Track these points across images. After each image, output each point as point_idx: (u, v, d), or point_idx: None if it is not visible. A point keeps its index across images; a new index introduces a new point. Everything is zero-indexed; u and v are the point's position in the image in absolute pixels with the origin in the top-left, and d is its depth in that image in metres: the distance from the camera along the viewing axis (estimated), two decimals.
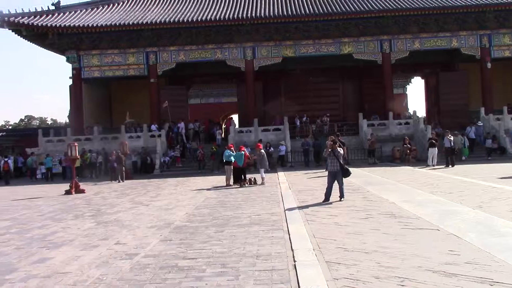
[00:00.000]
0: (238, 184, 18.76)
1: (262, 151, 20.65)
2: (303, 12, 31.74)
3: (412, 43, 33.02)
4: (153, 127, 32.33)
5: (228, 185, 18.93)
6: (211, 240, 8.56)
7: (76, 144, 21.92)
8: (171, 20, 31.56)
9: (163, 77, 35.55)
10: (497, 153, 27.42)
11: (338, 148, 13.40)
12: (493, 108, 31.97)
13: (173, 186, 20.12)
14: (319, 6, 32.54)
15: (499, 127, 29.25)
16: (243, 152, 19.60)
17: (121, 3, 36.05)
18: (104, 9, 34.98)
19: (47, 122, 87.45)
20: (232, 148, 20.36)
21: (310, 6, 32.67)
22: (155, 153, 29.70)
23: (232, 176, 19.32)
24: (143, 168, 29.52)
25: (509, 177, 17.18)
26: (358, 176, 19.22)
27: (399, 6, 31.47)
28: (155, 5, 35.56)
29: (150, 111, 33.88)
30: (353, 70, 37.32)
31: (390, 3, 32.20)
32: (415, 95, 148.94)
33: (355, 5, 32.13)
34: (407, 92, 58.75)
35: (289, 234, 8.65)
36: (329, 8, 31.98)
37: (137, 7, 35.24)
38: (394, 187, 15.77)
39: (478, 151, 28.39)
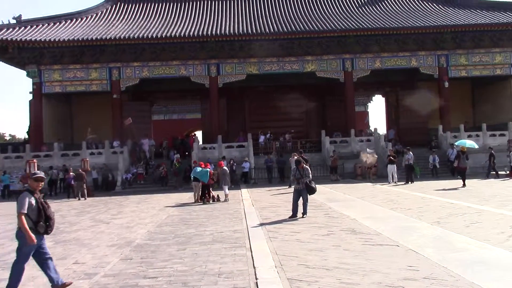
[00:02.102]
0: (201, 201, 18.68)
1: (225, 167, 20.65)
2: (267, 30, 32.09)
3: (373, 62, 33.77)
4: (115, 143, 31.88)
5: (196, 201, 18.83)
6: (173, 259, 8.47)
7: (35, 160, 21.41)
8: (135, 36, 31.35)
9: (127, 93, 35.19)
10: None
11: (305, 165, 13.58)
12: (451, 126, 32.88)
13: (135, 203, 19.84)
14: (283, 25, 32.97)
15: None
16: (208, 169, 19.54)
17: (85, 18, 35.67)
18: (67, 24, 34.50)
19: (5, 138, 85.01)
20: (203, 166, 20.27)
21: (275, 25, 33.06)
22: (117, 170, 29.25)
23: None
24: (104, 185, 29.02)
25: (442, 189, 18.25)
26: (321, 192, 19.38)
27: (360, 26, 32.18)
28: (119, 21, 35.31)
29: (113, 127, 33.40)
30: (316, 88, 37.82)
31: (352, 23, 32.92)
32: (376, 113, 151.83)
33: (318, 24, 32.70)
34: (368, 110, 59.97)
35: (251, 252, 8.64)
36: (293, 27, 32.44)
37: (101, 23, 34.91)
38: (355, 203, 16.00)
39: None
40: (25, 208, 6.38)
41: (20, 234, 6.42)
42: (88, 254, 9.29)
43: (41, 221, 6.48)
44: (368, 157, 27.40)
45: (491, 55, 33.84)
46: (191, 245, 9.70)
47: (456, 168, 23.08)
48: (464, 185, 21.04)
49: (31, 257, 6.60)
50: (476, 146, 25.87)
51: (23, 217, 6.36)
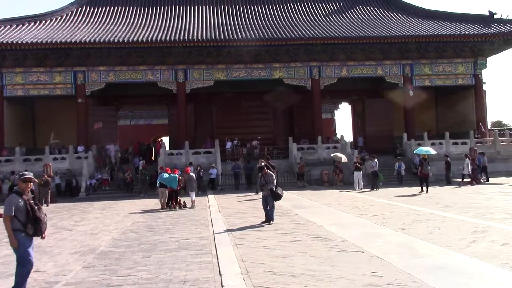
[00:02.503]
0: (167, 208, 18.49)
1: (192, 174, 20.52)
2: (235, 36, 32.11)
3: (340, 70, 34.18)
4: (80, 148, 31.30)
5: (163, 207, 18.61)
6: (137, 266, 8.33)
7: None
8: (101, 40, 30.89)
9: (92, 97, 34.60)
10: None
11: (270, 172, 13.60)
12: (415, 134, 33.53)
13: (100, 210, 19.47)
14: (251, 32, 33.08)
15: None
16: (175, 175, 19.37)
17: (49, 20, 34.97)
18: (31, 26, 33.76)
19: None
20: (169, 172, 20.07)
21: (243, 31, 33.12)
22: (81, 176, 28.69)
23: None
24: (68, 191, 28.42)
25: (406, 195, 18.66)
26: (288, 199, 19.45)
27: (327, 35, 32.57)
28: (85, 24, 34.73)
29: (77, 132, 32.77)
30: (284, 95, 37.94)
31: (319, 31, 33.28)
32: (343, 120, 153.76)
33: (286, 32, 32.94)
34: (335, 117, 60.72)
35: (217, 259, 8.57)
36: (261, 34, 32.56)
37: (66, 25, 34.27)
38: (322, 210, 16.10)
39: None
40: (11, 210, 6.31)
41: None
42: (49, 262, 9.06)
43: (30, 223, 6.38)
44: (343, 156, 27.70)
45: (453, 65, 34.73)
46: (156, 252, 9.56)
47: (419, 174, 23.65)
48: (426, 191, 21.73)
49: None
50: (433, 153, 26.43)
51: (8, 219, 6.31)
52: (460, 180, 26.67)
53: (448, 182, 26.63)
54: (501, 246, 8.94)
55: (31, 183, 6.64)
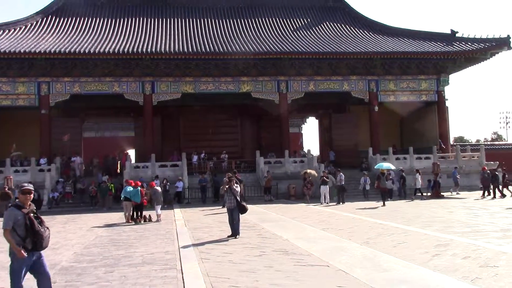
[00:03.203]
0: (132, 222, 18.21)
1: (157, 187, 20.29)
2: (203, 50, 32.10)
3: (307, 85, 34.51)
4: (42, 161, 30.56)
5: (127, 221, 18.30)
6: (100, 282, 8.15)
7: None
8: (67, 50, 30.40)
9: (56, 108, 33.96)
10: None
11: (235, 185, 13.54)
12: (380, 148, 34.06)
13: (62, 223, 19.00)
14: (220, 45, 33.13)
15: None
16: (139, 188, 19.09)
17: (13, 30, 34.27)
18: None
19: None
20: (133, 184, 19.76)
21: (211, 45, 33.15)
22: (43, 189, 27.98)
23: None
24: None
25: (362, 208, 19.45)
26: (254, 213, 19.43)
27: (295, 50, 32.90)
28: (49, 34, 34.16)
29: (40, 144, 32.05)
30: (251, 109, 38.15)
31: (287, 46, 33.59)
32: (310, 134, 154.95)
33: (254, 46, 33.11)
34: (302, 131, 61.18)
35: (182, 274, 8.46)
36: (229, 48, 32.63)
37: (31, 35, 33.65)
38: (288, 224, 16.11)
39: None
40: (9, 224, 6.10)
41: (11, 251, 6.17)
42: (8, 278, 8.74)
43: (29, 237, 6.13)
44: (313, 173, 27.83)
45: (417, 82, 35.55)
46: (119, 267, 9.37)
47: (378, 188, 24.79)
48: (383, 204, 22.69)
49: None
50: (393, 168, 27.72)
51: (8, 233, 6.10)
52: (405, 194, 27.58)
53: (404, 196, 27.38)
54: (462, 260, 9.11)
55: (30, 194, 6.37)
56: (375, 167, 29.11)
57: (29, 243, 6.14)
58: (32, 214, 6.25)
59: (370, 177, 29.31)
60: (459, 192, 28.49)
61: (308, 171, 28.10)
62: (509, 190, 27.93)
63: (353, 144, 36.39)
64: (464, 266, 8.52)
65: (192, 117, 38.32)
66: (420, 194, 27.09)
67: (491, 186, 26.51)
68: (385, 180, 24.70)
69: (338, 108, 39.04)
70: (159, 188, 20.40)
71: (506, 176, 28.79)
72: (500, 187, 26.91)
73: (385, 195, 23.94)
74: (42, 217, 6.43)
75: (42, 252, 6.36)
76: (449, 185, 29.94)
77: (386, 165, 27.38)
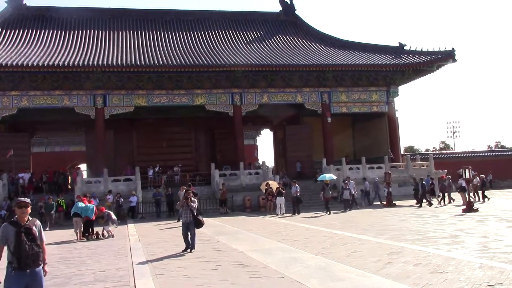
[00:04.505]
0: (84, 238, 17.73)
1: (109, 212, 19.62)
2: (156, 62, 31.79)
3: (261, 97, 34.70)
4: None
5: (79, 238, 17.79)
6: None
7: None
8: (14, 63, 29.40)
9: (3, 123, 32.88)
10: (336, 201, 29.22)
11: (192, 199, 13.42)
12: (334, 159, 34.56)
13: None
14: (173, 58, 32.91)
15: (339, 176, 31.60)
16: (93, 205, 18.64)
17: None
18: None
19: None
20: (85, 201, 19.25)
21: (164, 57, 32.87)
22: None
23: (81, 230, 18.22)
24: None
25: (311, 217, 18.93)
26: (210, 226, 19.28)
27: (248, 62, 33.06)
28: None
29: None
30: (206, 121, 38.04)
31: (240, 58, 33.73)
32: (265, 146, 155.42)
33: (208, 59, 33.06)
34: (257, 143, 61.48)
35: None
36: (182, 61, 32.46)
37: None
38: (244, 236, 16.07)
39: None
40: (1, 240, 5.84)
41: None
42: None
43: (14, 255, 5.76)
44: (275, 184, 27.75)
45: (368, 93, 36.38)
46: (70, 285, 9.08)
47: (322, 198, 25.70)
48: (328, 213, 24.00)
49: None
50: (334, 178, 29.23)
51: (1, 250, 5.87)
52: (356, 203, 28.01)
53: (369, 205, 28.43)
54: (414, 267, 9.31)
55: (26, 208, 5.97)
56: (318, 178, 29.59)
57: (15, 261, 5.77)
58: (24, 230, 5.87)
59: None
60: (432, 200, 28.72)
61: (270, 182, 28.12)
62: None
63: (307, 155, 36.82)
64: (415, 273, 8.71)
65: (146, 130, 37.85)
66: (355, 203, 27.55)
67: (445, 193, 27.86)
68: (329, 190, 25.97)
69: (292, 119, 39.42)
70: (111, 213, 19.75)
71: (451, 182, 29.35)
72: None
73: (329, 204, 25.16)
74: None
75: (40, 272, 5.96)
76: (400, 194, 30.83)
77: (328, 176, 28.33)
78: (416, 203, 27.21)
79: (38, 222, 6.14)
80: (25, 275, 5.79)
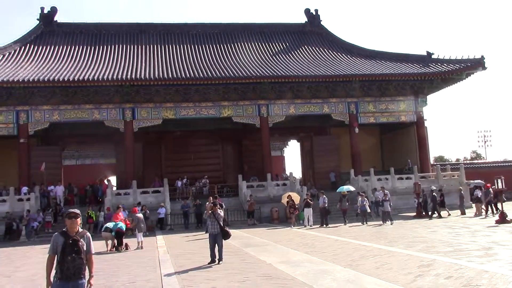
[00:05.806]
0: (115, 250, 17.96)
1: (139, 215, 20.10)
2: (183, 75, 32.16)
3: (288, 108, 34.70)
4: (24, 189, 29.98)
5: (110, 250, 18.07)
6: None
7: None
8: (45, 78, 30.16)
9: (35, 137, 33.63)
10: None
11: (218, 210, 13.48)
12: (362, 170, 34.23)
13: (42, 254, 18.55)
14: (200, 70, 33.26)
15: (367, 187, 31.30)
16: (119, 223, 18.97)
17: None
18: None
19: None
20: (117, 218, 19.64)
21: (191, 70, 33.26)
22: (22, 218, 27.42)
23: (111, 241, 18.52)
24: (8, 235, 27.08)
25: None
26: (238, 237, 19.29)
27: (275, 74, 33.14)
28: (28, 63, 33.94)
29: (19, 173, 31.53)
30: (233, 133, 38.20)
31: (267, 70, 33.85)
32: (292, 157, 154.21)
33: (234, 71, 33.29)
34: (284, 154, 61.36)
35: None
36: (209, 73, 32.78)
37: (8, 64, 33.39)
38: (272, 248, 16.02)
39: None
40: (51, 250, 6.06)
41: None
42: None
43: (58, 265, 5.94)
44: (295, 195, 27.61)
45: (396, 103, 35.97)
46: None
47: (340, 209, 26.17)
48: (345, 223, 24.39)
49: None
50: (352, 189, 28.81)
51: (48, 260, 6.06)
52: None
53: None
54: (445, 280, 9.13)
55: (75, 219, 6.13)
56: (337, 190, 28.99)
57: (58, 272, 5.91)
58: (71, 241, 6.00)
59: (351, 199, 29.16)
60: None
61: (291, 194, 27.92)
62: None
63: (334, 165, 36.59)
64: (447, 286, 8.54)
65: (174, 142, 38.22)
66: (355, 215, 27.53)
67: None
68: (346, 201, 26.14)
69: (319, 130, 39.28)
70: (141, 215, 20.19)
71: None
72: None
73: (345, 214, 25.52)
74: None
75: (83, 285, 6.04)
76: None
77: (346, 188, 28.02)
78: (425, 215, 26.86)
79: (88, 234, 6.25)
80: (68, 286, 5.90)
